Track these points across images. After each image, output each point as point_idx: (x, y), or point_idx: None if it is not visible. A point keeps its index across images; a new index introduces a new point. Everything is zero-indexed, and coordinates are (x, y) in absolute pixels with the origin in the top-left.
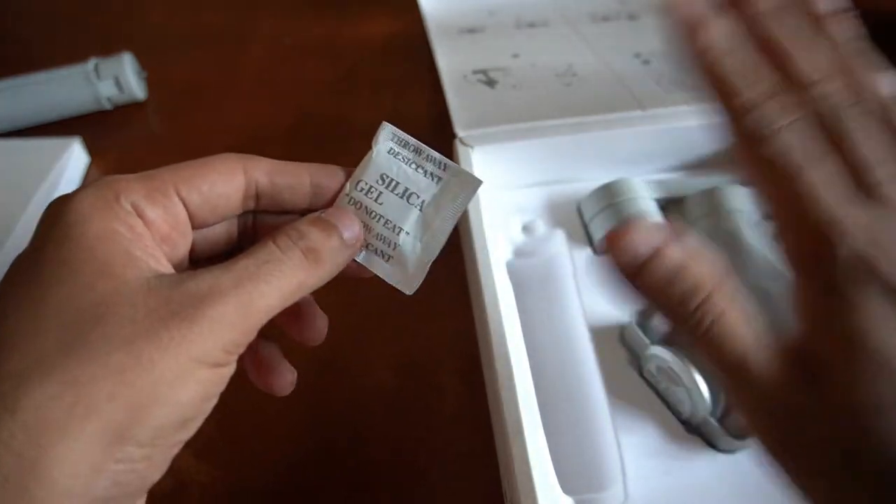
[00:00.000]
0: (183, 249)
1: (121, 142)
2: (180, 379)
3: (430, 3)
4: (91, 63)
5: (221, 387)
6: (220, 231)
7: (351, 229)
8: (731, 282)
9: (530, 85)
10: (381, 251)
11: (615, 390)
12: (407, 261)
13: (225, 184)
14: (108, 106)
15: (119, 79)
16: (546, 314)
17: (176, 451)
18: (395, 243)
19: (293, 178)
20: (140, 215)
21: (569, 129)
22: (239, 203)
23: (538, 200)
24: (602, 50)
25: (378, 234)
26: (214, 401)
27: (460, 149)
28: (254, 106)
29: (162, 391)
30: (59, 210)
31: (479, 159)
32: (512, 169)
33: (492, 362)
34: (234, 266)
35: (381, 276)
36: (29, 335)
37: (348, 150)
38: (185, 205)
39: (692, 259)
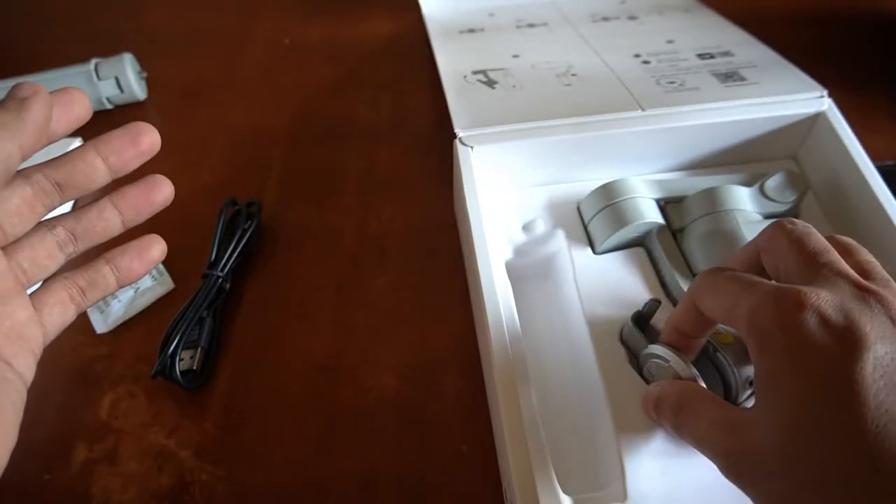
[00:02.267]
0: None
1: None
2: None
3: (430, 3)
4: (91, 63)
5: None
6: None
7: (21, 87)
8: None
9: (530, 85)
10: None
11: (615, 390)
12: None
13: None
14: (108, 106)
15: (119, 79)
16: (546, 314)
17: None
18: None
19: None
20: None
21: (569, 129)
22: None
23: (538, 200)
24: (602, 50)
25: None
26: None
27: (460, 149)
28: (254, 106)
29: None
30: None
31: (479, 159)
32: (512, 169)
33: (491, 362)
34: None
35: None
36: None
37: (348, 150)
38: None
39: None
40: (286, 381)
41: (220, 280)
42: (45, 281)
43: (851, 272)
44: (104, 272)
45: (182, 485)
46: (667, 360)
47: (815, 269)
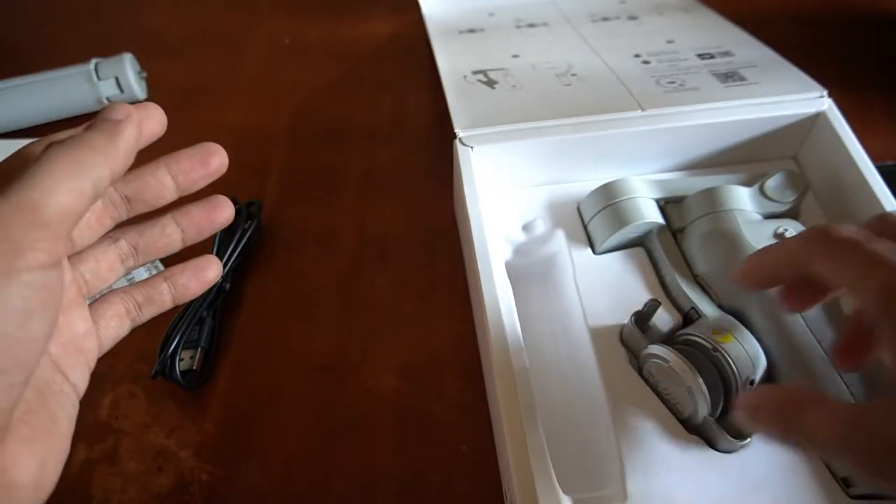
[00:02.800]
0: None
1: None
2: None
3: (430, 3)
4: (91, 63)
5: (45, 296)
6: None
7: (111, 110)
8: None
9: (530, 85)
10: None
11: (615, 390)
12: None
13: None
14: None
15: (119, 79)
16: (546, 314)
17: (9, 383)
18: None
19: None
20: None
21: (569, 129)
22: None
23: (538, 200)
24: (602, 50)
25: None
26: (41, 313)
27: (460, 149)
28: (254, 106)
29: None
30: None
31: (479, 159)
32: (511, 169)
33: (491, 362)
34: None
35: None
36: None
37: (348, 149)
38: None
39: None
40: (286, 381)
41: (220, 280)
42: (104, 293)
43: None
44: (161, 289)
45: (182, 485)
46: (666, 361)
47: None
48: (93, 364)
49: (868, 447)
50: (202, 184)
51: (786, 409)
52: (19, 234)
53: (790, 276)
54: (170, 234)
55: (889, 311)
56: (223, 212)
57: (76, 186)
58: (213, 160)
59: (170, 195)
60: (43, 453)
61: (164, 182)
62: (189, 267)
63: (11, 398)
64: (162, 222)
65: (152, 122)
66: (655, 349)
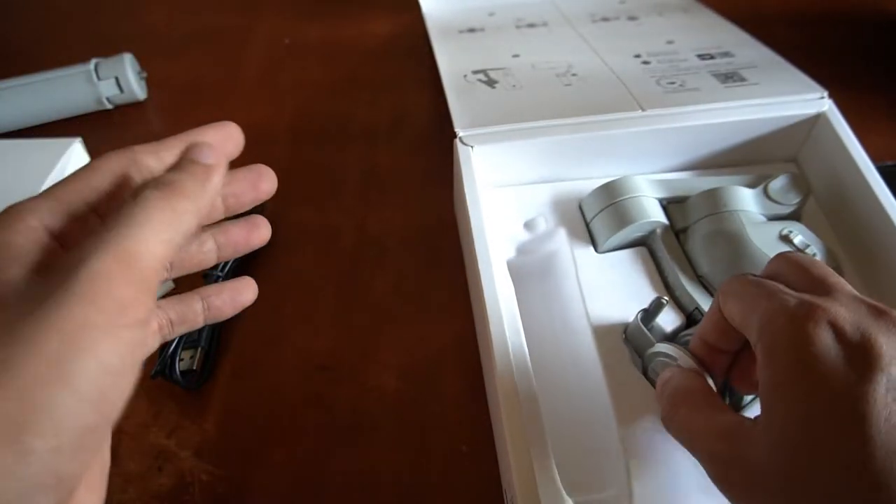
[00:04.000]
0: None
1: (121, 142)
2: (69, 353)
3: (430, 3)
4: (91, 63)
5: (129, 353)
6: None
7: (202, 153)
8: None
9: (530, 85)
10: None
11: (618, 390)
12: None
13: (113, 186)
14: (108, 106)
15: (119, 79)
16: (547, 312)
17: (97, 439)
18: None
19: (175, 149)
20: (49, 232)
21: (569, 129)
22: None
23: (540, 198)
24: (602, 50)
25: None
26: (124, 371)
27: (460, 148)
28: (254, 106)
29: (50, 372)
30: None
31: (479, 159)
32: (512, 169)
33: (492, 361)
34: (97, 230)
35: None
36: None
37: (348, 149)
38: (88, 206)
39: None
40: (286, 381)
41: (221, 280)
42: None
43: (862, 296)
44: (196, 308)
45: (182, 485)
46: (674, 359)
47: (825, 289)
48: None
49: (725, 460)
50: (248, 207)
51: (678, 400)
52: (120, 289)
53: (721, 337)
54: (206, 252)
55: (762, 337)
56: (260, 233)
57: (170, 238)
58: (264, 186)
59: (218, 216)
60: (100, 492)
61: (215, 205)
62: (226, 289)
63: (95, 452)
64: (201, 238)
65: (231, 143)
66: (662, 347)
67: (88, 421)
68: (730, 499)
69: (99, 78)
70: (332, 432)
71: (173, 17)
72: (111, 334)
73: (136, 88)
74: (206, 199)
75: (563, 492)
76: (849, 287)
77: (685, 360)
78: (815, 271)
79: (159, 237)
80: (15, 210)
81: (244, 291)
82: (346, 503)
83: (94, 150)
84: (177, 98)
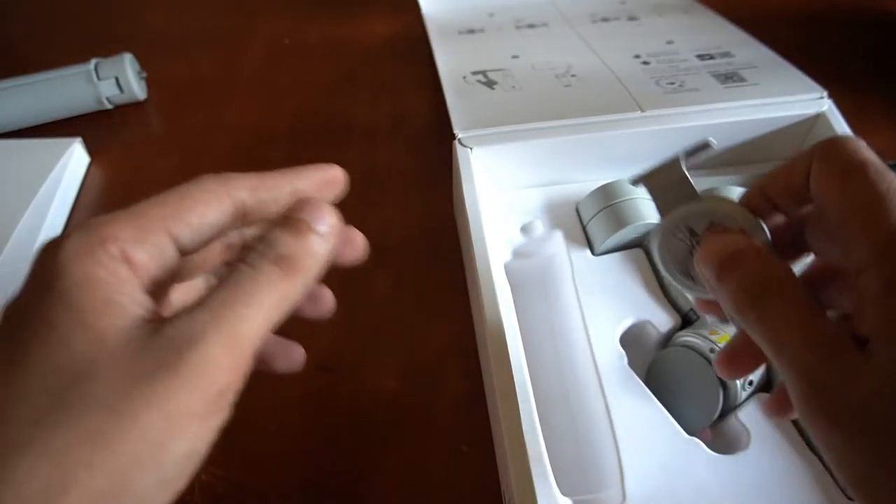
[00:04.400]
0: (172, 282)
1: (121, 142)
2: (166, 436)
3: (430, 3)
4: (91, 63)
5: (211, 437)
6: (214, 250)
7: (323, 220)
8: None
9: (530, 86)
10: None
11: (613, 391)
12: None
13: (213, 213)
14: (108, 106)
15: (119, 79)
16: (544, 315)
17: None
18: None
19: (275, 191)
20: (127, 260)
21: (568, 131)
22: (227, 226)
23: (537, 201)
24: (602, 50)
25: None
26: (201, 455)
27: (459, 150)
28: (254, 106)
29: (146, 453)
30: (45, 258)
31: (479, 160)
32: (511, 170)
33: (490, 363)
34: (209, 300)
35: None
36: (10, 402)
37: (348, 149)
38: (174, 240)
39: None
40: (286, 381)
41: None
42: None
43: None
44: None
45: None
46: (734, 220)
47: None
48: None
49: (826, 384)
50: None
51: (764, 294)
52: (223, 376)
53: (787, 195)
54: None
55: (741, 314)
56: (326, 303)
57: (277, 320)
58: (336, 189)
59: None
60: None
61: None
62: (279, 345)
63: None
64: None
65: (332, 190)
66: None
67: (165, 501)
68: (813, 427)
69: (99, 78)
70: (331, 432)
71: (173, 17)
72: (205, 421)
73: (136, 88)
74: (317, 275)
75: (558, 492)
76: None
77: (754, 224)
78: None
79: (269, 320)
80: (97, 235)
81: (294, 353)
82: (345, 503)
83: (93, 151)
84: (177, 98)
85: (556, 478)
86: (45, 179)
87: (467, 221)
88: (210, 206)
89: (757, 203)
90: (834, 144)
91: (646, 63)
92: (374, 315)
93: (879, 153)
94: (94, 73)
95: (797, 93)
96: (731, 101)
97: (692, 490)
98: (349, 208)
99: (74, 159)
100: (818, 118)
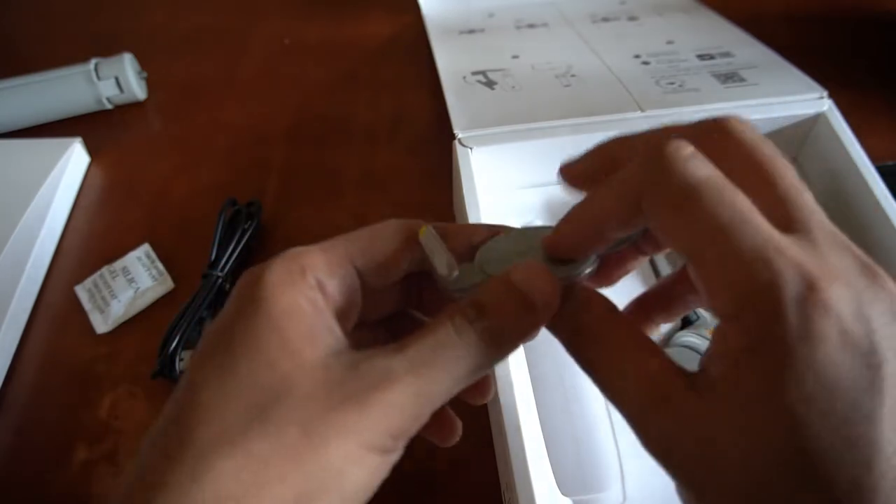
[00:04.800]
0: (355, 317)
1: (121, 142)
2: (348, 464)
3: (430, 3)
4: (91, 63)
5: (385, 475)
6: (390, 294)
7: (543, 291)
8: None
9: (530, 86)
10: None
11: None
12: None
13: (395, 252)
14: (108, 106)
15: (119, 79)
16: None
17: None
18: None
19: (461, 241)
20: (321, 289)
21: (568, 131)
22: (406, 268)
23: (537, 201)
24: (602, 50)
25: None
26: (374, 490)
27: (459, 150)
28: (254, 106)
29: (329, 478)
30: (251, 283)
31: (478, 160)
32: (511, 170)
33: None
34: (409, 349)
35: None
36: (216, 407)
37: (348, 149)
38: (358, 274)
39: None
40: None
41: (220, 280)
42: None
43: (843, 237)
44: None
45: None
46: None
47: (799, 221)
48: None
49: (666, 434)
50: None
51: (585, 329)
52: (407, 422)
53: (621, 225)
54: None
55: (746, 311)
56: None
57: (462, 387)
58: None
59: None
60: None
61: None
62: (435, 426)
63: None
64: None
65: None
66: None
67: None
68: (667, 470)
69: (99, 78)
70: None
71: (173, 17)
72: (382, 457)
73: (136, 88)
74: (516, 349)
75: (559, 492)
76: (826, 220)
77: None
78: (782, 183)
79: (457, 381)
80: (297, 265)
81: (452, 432)
82: None
83: (93, 151)
84: (177, 98)
85: (556, 478)
86: (45, 179)
87: (467, 221)
88: (393, 245)
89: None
90: (658, 163)
91: (646, 63)
92: None
93: (881, 153)
94: (93, 73)
95: (797, 93)
96: (731, 101)
97: None
98: (349, 208)
99: (74, 159)
100: (818, 118)
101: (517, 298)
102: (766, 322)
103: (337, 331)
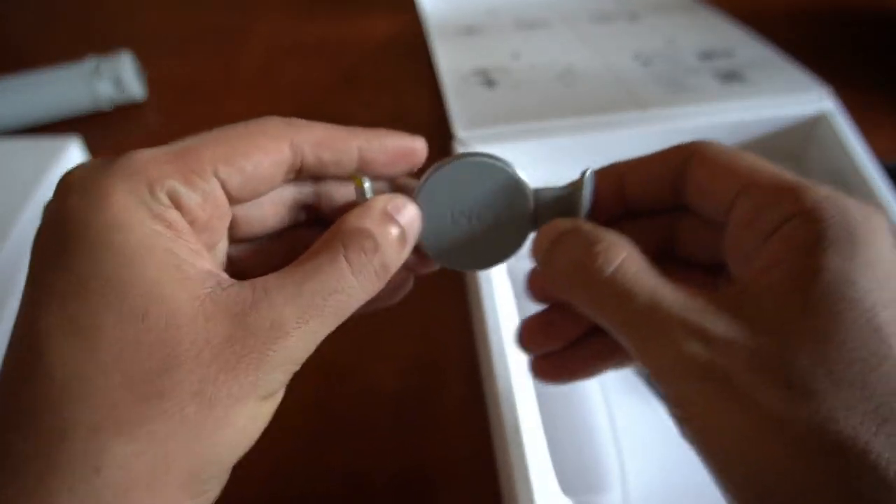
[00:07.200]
0: (221, 233)
1: (120, 141)
2: (249, 421)
3: (430, 3)
4: (91, 62)
5: (276, 406)
6: (264, 206)
7: (412, 226)
8: (629, 242)
9: (530, 85)
10: None
11: (614, 392)
12: None
13: (270, 162)
14: (107, 105)
15: (119, 78)
16: None
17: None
18: None
19: (341, 153)
20: (177, 205)
21: (568, 130)
22: (281, 180)
23: None
24: (602, 50)
25: None
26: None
27: (459, 149)
28: (254, 106)
29: (235, 437)
30: (84, 208)
31: None
32: None
33: (491, 363)
34: (299, 293)
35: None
36: (90, 377)
37: None
38: (223, 186)
39: (589, 225)
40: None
41: None
42: None
43: None
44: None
45: None
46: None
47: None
48: None
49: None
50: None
51: (560, 238)
52: (299, 365)
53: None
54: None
55: (818, 212)
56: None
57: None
58: (411, 163)
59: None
60: None
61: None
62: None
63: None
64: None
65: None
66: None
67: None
68: (666, 391)
69: (98, 77)
70: (331, 432)
71: (173, 17)
72: (276, 397)
73: (136, 88)
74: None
75: (560, 492)
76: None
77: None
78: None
79: (344, 318)
80: (144, 177)
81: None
82: (345, 503)
83: (92, 150)
84: (176, 97)
85: (556, 478)
86: (43, 179)
87: None
88: (269, 154)
89: (609, 184)
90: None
91: (646, 62)
92: (374, 315)
93: (887, 152)
94: (93, 72)
95: (799, 92)
96: (732, 101)
97: (693, 491)
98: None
99: (73, 158)
100: (821, 117)
101: (403, 237)
102: (835, 218)
103: (203, 251)
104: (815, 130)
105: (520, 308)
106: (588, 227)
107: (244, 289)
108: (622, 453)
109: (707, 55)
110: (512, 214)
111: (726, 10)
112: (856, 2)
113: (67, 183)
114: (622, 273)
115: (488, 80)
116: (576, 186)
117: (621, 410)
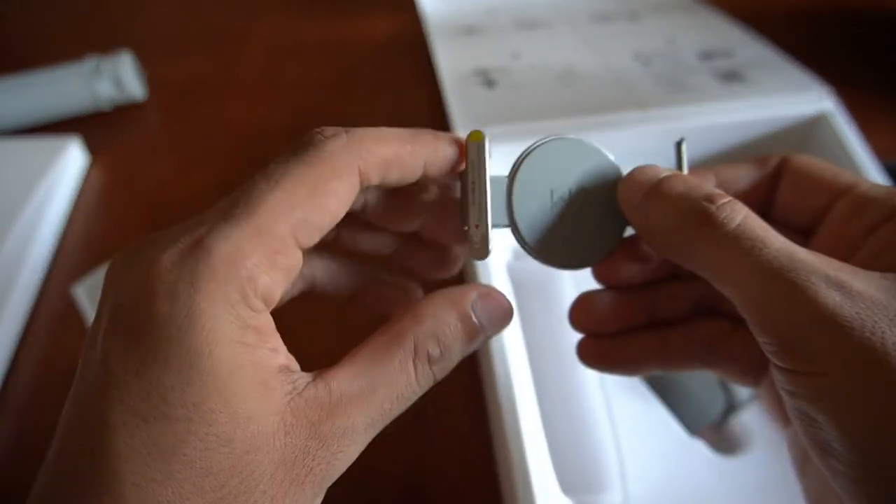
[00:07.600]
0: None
1: (120, 141)
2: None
3: (430, 3)
4: (91, 62)
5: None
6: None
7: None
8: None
9: (530, 85)
10: None
11: (614, 392)
12: None
13: (342, 205)
14: (107, 105)
15: (119, 78)
16: (546, 315)
17: None
18: None
19: (409, 172)
20: (268, 303)
21: (568, 130)
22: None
23: None
24: (602, 50)
25: None
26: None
27: None
28: (254, 105)
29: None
30: (176, 322)
31: None
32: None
33: (491, 363)
34: (371, 401)
35: None
36: (177, 499)
37: None
38: (300, 246)
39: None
40: None
41: None
42: None
43: None
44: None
45: None
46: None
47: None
48: None
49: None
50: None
51: (661, 189)
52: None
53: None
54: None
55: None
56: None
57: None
58: (448, 165)
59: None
60: None
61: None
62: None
63: None
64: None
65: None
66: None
67: None
68: (791, 368)
69: (98, 77)
70: None
71: (173, 16)
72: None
73: (136, 88)
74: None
75: (560, 492)
76: None
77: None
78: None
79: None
80: (236, 280)
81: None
82: (344, 503)
83: (92, 150)
84: (176, 98)
85: (556, 478)
86: (42, 179)
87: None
88: (342, 200)
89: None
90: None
91: (646, 62)
92: (374, 315)
93: (882, 152)
94: (93, 72)
95: (799, 92)
96: (732, 101)
97: (693, 491)
98: None
99: (72, 158)
100: (822, 117)
101: (472, 330)
102: None
103: (281, 353)
104: (815, 130)
105: (520, 308)
106: (691, 177)
107: (319, 391)
108: (622, 453)
109: (707, 55)
110: (608, 200)
111: (726, 10)
112: (856, 2)
113: (153, 275)
114: (749, 225)
115: (488, 80)
116: (677, 153)
117: (621, 410)
